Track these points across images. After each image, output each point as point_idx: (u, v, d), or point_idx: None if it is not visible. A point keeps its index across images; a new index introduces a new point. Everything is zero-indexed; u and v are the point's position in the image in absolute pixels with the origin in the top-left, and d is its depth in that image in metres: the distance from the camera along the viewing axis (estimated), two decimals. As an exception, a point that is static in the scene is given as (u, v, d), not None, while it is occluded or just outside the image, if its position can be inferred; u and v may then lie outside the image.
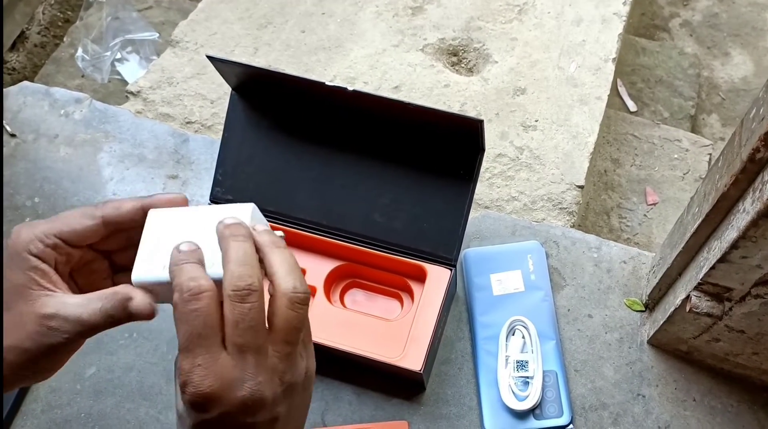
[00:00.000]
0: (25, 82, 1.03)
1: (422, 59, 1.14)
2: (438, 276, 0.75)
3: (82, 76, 1.36)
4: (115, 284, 0.49)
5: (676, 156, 1.24)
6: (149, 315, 0.46)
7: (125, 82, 1.30)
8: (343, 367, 0.78)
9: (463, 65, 1.17)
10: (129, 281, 0.48)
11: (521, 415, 0.75)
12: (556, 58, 1.14)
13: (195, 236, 0.46)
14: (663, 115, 1.45)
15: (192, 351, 0.41)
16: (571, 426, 0.76)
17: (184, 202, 0.50)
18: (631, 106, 1.43)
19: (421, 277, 0.77)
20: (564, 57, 1.14)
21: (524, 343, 0.79)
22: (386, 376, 0.77)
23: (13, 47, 1.46)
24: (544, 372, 0.77)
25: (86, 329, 0.46)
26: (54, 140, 0.97)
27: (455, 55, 1.17)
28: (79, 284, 0.51)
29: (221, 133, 0.80)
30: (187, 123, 1.07)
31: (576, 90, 1.10)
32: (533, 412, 0.76)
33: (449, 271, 0.75)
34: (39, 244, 0.48)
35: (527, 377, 0.76)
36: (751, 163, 0.52)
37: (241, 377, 0.41)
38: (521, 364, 0.77)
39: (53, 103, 1.01)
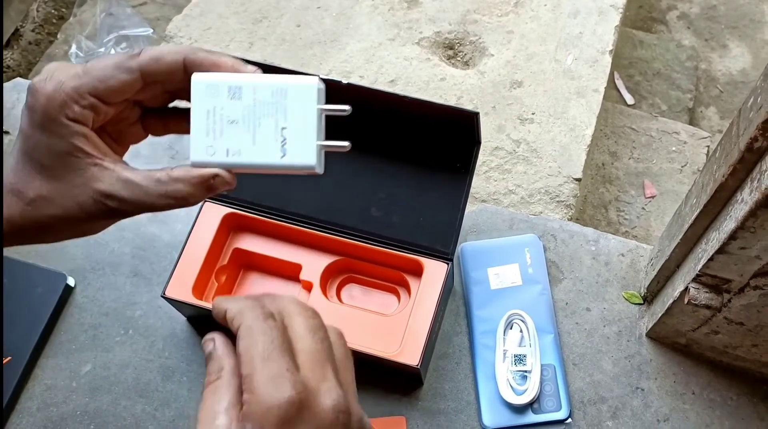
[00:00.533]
0: (19, 79, 1.03)
1: (418, 53, 1.13)
2: (435, 270, 0.75)
3: (77, 73, 1.36)
4: (144, 128, 0.49)
5: (674, 148, 1.24)
6: (233, 186, 0.45)
7: (120, 79, 1.29)
8: (340, 363, 0.78)
9: (459, 59, 1.16)
10: (158, 124, 0.49)
11: (519, 410, 0.75)
12: (552, 50, 1.13)
13: (249, 113, 0.44)
14: (661, 108, 1.44)
15: (275, 359, 0.36)
16: (569, 420, 0.76)
17: (232, 68, 0.45)
18: (629, 98, 1.43)
19: (417, 272, 0.76)
20: (561, 49, 1.13)
21: (522, 336, 0.78)
22: (383, 371, 0.76)
23: (8, 45, 1.46)
24: (542, 366, 0.77)
25: (147, 210, 0.45)
26: (48, 137, 0.97)
27: (451, 48, 1.17)
28: (108, 131, 0.47)
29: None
30: (182, 119, 1.06)
31: (573, 82, 1.09)
32: (531, 406, 0.75)
33: (446, 265, 0.75)
34: (75, 106, 0.43)
35: (525, 371, 0.76)
36: (748, 152, 0.51)
37: (326, 386, 0.38)
38: (519, 358, 0.77)
39: (47, 99, 1.00)
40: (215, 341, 0.39)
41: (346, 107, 0.45)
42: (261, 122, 0.44)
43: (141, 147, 0.94)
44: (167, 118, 0.50)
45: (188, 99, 0.45)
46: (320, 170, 0.45)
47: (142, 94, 0.46)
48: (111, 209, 0.45)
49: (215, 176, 0.44)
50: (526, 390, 0.75)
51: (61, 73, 0.44)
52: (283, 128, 0.44)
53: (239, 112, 0.44)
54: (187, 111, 0.46)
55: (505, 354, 0.77)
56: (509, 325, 0.79)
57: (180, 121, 0.50)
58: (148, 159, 0.93)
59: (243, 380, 0.36)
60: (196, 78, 0.44)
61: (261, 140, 0.44)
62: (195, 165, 0.44)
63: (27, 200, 0.45)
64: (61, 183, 0.44)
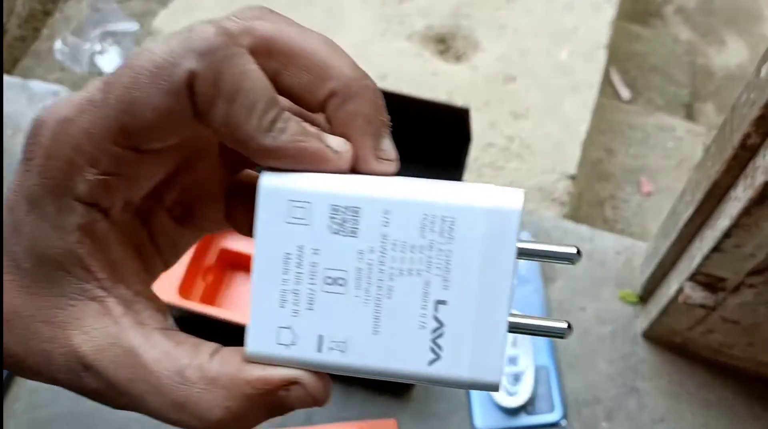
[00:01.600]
0: (3, 76, 1.02)
1: (409, 47, 1.12)
2: (425, 269, 0.74)
3: (62, 69, 1.34)
4: (229, 215, 0.27)
5: (670, 145, 1.22)
6: (322, 403, 0.24)
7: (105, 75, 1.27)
8: (329, 364, 0.77)
9: (451, 53, 1.15)
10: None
11: (512, 412, 0.74)
12: (546, 45, 1.12)
13: (371, 265, 0.23)
14: (657, 103, 1.43)
15: None
16: (563, 421, 0.75)
17: (340, 162, 0.23)
18: (625, 94, 1.42)
19: (408, 271, 0.75)
20: (555, 44, 1.12)
21: (514, 337, 0.77)
22: (373, 372, 0.75)
23: (-8, 41, 1.44)
24: (536, 367, 0.76)
25: (149, 414, 0.24)
26: (33, 135, 0.95)
27: (443, 42, 1.15)
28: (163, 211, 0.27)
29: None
30: (171, 116, 1.05)
31: (567, 77, 1.08)
32: (525, 407, 0.74)
33: (436, 265, 0.74)
34: (91, 172, 0.22)
35: (518, 372, 0.75)
36: (742, 149, 0.51)
37: None
38: (511, 360, 0.75)
39: (31, 96, 0.99)
40: None
41: (573, 251, 0.23)
42: (394, 286, 0.23)
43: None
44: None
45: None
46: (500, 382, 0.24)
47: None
48: (84, 389, 0.24)
49: (292, 383, 0.24)
50: (518, 391, 0.74)
51: (68, 102, 0.22)
52: (439, 303, 0.23)
53: (350, 263, 0.23)
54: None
55: None
56: None
57: None
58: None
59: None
60: (267, 182, 0.23)
61: (390, 326, 0.23)
62: (253, 359, 0.23)
63: None
64: (38, 325, 0.23)
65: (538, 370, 0.76)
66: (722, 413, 0.76)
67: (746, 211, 0.51)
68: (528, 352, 0.76)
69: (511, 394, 0.74)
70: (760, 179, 0.48)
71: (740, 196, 0.52)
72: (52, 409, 0.77)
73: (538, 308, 0.79)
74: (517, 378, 0.75)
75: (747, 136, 0.49)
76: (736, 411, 0.76)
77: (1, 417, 0.75)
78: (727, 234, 0.56)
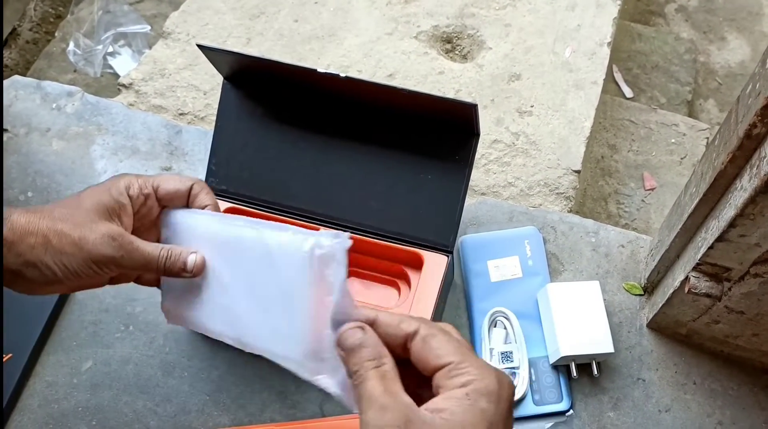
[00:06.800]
0: (16, 77, 1.03)
1: (416, 47, 1.13)
2: (435, 263, 0.75)
3: (75, 71, 1.35)
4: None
5: (673, 140, 1.24)
6: (198, 272, 0.57)
7: (118, 76, 1.29)
8: (341, 356, 0.78)
9: (457, 52, 1.16)
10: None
11: (519, 402, 0.75)
12: (550, 43, 1.13)
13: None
14: (659, 100, 1.44)
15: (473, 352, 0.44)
16: (570, 411, 0.76)
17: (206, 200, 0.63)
18: (627, 92, 1.43)
19: (417, 265, 0.76)
20: (559, 42, 1.13)
21: (507, 334, 0.78)
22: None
23: (5, 44, 1.45)
24: (530, 360, 0.77)
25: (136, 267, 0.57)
26: (46, 134, 0.96)
27: (449, 42, 1.17)
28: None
29: (214, 123, 0.79)
30: (180, 114, 1.06)
31: (571, 75, 1.09)
32: (533, 398, 0.75)
33: (446, 258, 0.75)
34: (137, 188, 0.58)
35: (513, 368, 0.76)
36: (747, 139, 0.51)
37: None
38: (506, 356, 0.76)
39: (45, 96, 1.00)
40: (366, 331, 0.43)
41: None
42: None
43: (139, 144, 0.95)
44: None
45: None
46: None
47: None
48: (115, 245, 0.55)
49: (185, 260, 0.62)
50: (515, 386, 0.75)
51: (139, 174, 0.61)
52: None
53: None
54: None
55: (491, 352, 0.77)
56: (493, 324, 0.79)
57: None
58: (146, 155, 0.93)
59: (452, 366, 0.42)
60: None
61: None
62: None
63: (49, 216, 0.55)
64: (85, 221, 0.55)
65: (536, 362, 0.77)
66: (727, 403, 0.77)
67: (752, 201, 0.52)
68: (521, 348, 0.76)
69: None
70: (765, 169, 0.49)
71: (746, 185, 0.53)
72: (66, 403, 0.78)
73: (545, 300, 0.80)
74: (512, 373, 0.75)
75: (752, 126, 0.49)
76: (741, 401, 0.77)
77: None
78: (733, 224, 0.56)
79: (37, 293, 0.57)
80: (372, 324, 0.44)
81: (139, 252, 0.56)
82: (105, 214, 0.56)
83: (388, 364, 0.43)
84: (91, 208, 0.55)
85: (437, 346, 0.43)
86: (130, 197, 0.57)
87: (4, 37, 1.46)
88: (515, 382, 0.75)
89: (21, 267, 0.53)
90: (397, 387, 0.42)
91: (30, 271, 0.54)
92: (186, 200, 0.61)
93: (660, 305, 0.76)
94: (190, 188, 0.61)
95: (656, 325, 0.80)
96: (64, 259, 0.53)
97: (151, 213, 0.61)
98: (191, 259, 0.57)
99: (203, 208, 0.61)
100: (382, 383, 0.42)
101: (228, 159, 0.79)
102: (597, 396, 0.77)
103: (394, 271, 0.79)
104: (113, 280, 0.61)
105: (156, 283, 0.63)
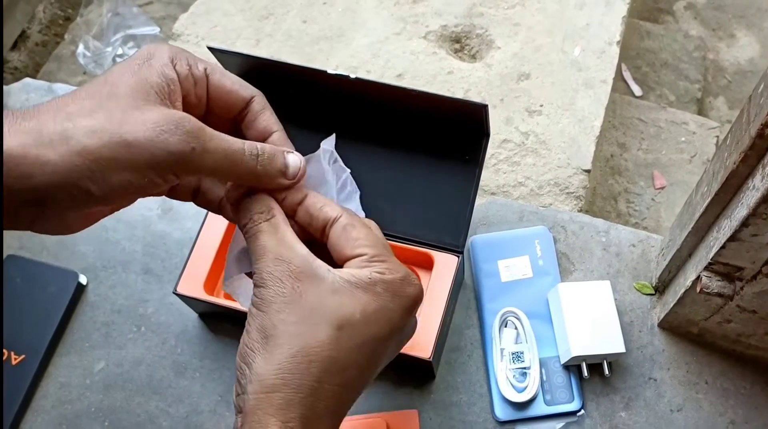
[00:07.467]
0: (27, 79, 1.03)
1: (425, 47, 1.13)
2: (445, 263, 0.75)
3: (84, 73, 1.36)
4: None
5: (683, 139, 1.23)
6: (300, 177, 0.45)
7: (127, 78, 1.29)
8: (352, 357, 0.78)
9: (466, 52, 1.16)
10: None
11: (530, 402, 0.75)
12: (559, 42, 1.13)
13: None
14: (669, 98, 1.44)
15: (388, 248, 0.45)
16: (582, 411, 0.75)
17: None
18: (636, 90, 1.42)
19: (428, 265, 0.76)
20: (568, 41, 1.13)
21: (517, 334, 0.78)
22: (395, 365, 0.76)
23: (15, 46, 1.46)
24: (541, 360, 0.77)
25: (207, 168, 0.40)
26: (57, 137, 0.97)
27: (458, 41, 1.17)
28: None
29: (224, 124, 0.79)
30: (190, 116, 1.06)
31: (581, 74, 1.09)
32: (544, 398, 0.75)
33: (456, 258, 0.75)
34: (185, 64, 0.42)
35: (524, 368, 0.76)
36: (760, 138, 0.51)
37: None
38: (517, 356, 0.76)
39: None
40: (258, 192, 0.44)
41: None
42: None
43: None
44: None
45: None
46: None
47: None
48: (181, 139, 0.38)
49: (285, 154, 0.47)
50: (526, 387, 0.75)
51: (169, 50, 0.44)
52: None
53: None
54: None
55: (502, 352, 0.77)
56: (504, 323, 0.79)
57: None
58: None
59: (366, 257, 0.42)
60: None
61: None
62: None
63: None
64: (132, 107, 0.39)
65: (547, 362, 0.77)
66: (740, 402, 0.77)
67: (764, 200, 0.51)
68: (532, 348, 0.76)
69: (519, 390, 0.75)
70: (777, 168, 0.49)
71: (758, 185, 0.53)
72: (79, 404, 0.78)
73: (556, 300, 0.80)
74: (524, 373, 0.75)
75: (765, 125, 0.49)
76: (754, 400, 0.77)
77: None
78: (745, 223, 0.56)
79: (70, 229, 0.41)
80: (299, 203, 0.43)
81: (218, 142, 0.40)
82: (153, 96, 0.40)
83: (279, 216, 0.41)
84: (131, 92, 0.39)
85: (356, 236, 0.42)
86: (177, 74, 0.42)
87: (14, 39, 1.46)
88: (527, 383, 0.75)
89: (35, 194, 0.36)
90: (292, 237, 0.40)
91: (54, 197, 0.37)
92: (239, 112, 0.46)
93: (671, 305, 0.76)
94: (250, 100, 0.46)
95: (668, 325, 0.80)
96: (103, 169, 0.37)
97: (194, 110, 0.43)
98: (293, 160, 0.44)
99: (269, 134, 0.46)
100: (276, 234, 0.40)
101: (238, 160, 0.79)
102: (608, 396, 0.77)
103: (404, 272, 0.79)
104: (171, 193, 0.46)
105: (215, 206, 0.47)
